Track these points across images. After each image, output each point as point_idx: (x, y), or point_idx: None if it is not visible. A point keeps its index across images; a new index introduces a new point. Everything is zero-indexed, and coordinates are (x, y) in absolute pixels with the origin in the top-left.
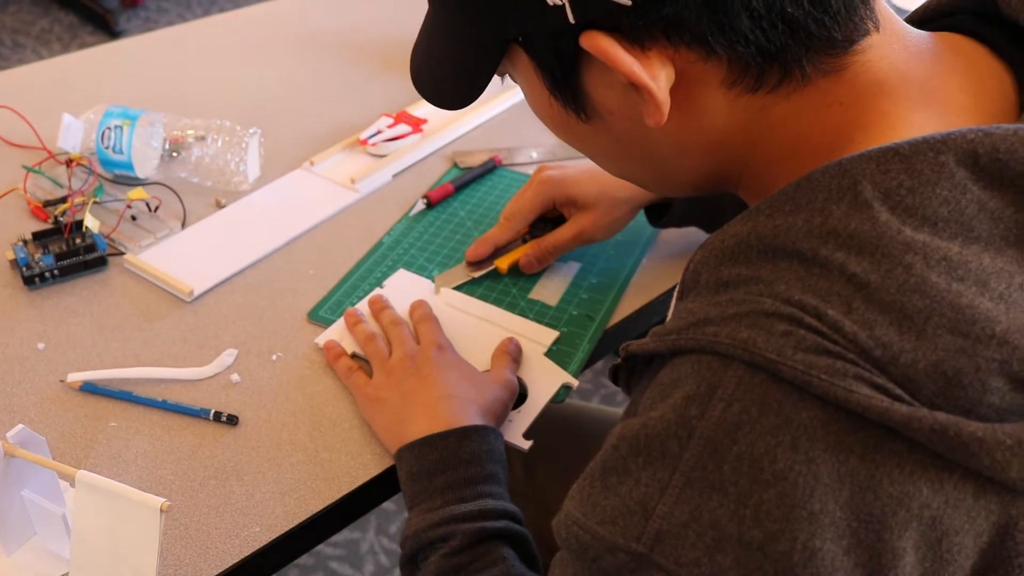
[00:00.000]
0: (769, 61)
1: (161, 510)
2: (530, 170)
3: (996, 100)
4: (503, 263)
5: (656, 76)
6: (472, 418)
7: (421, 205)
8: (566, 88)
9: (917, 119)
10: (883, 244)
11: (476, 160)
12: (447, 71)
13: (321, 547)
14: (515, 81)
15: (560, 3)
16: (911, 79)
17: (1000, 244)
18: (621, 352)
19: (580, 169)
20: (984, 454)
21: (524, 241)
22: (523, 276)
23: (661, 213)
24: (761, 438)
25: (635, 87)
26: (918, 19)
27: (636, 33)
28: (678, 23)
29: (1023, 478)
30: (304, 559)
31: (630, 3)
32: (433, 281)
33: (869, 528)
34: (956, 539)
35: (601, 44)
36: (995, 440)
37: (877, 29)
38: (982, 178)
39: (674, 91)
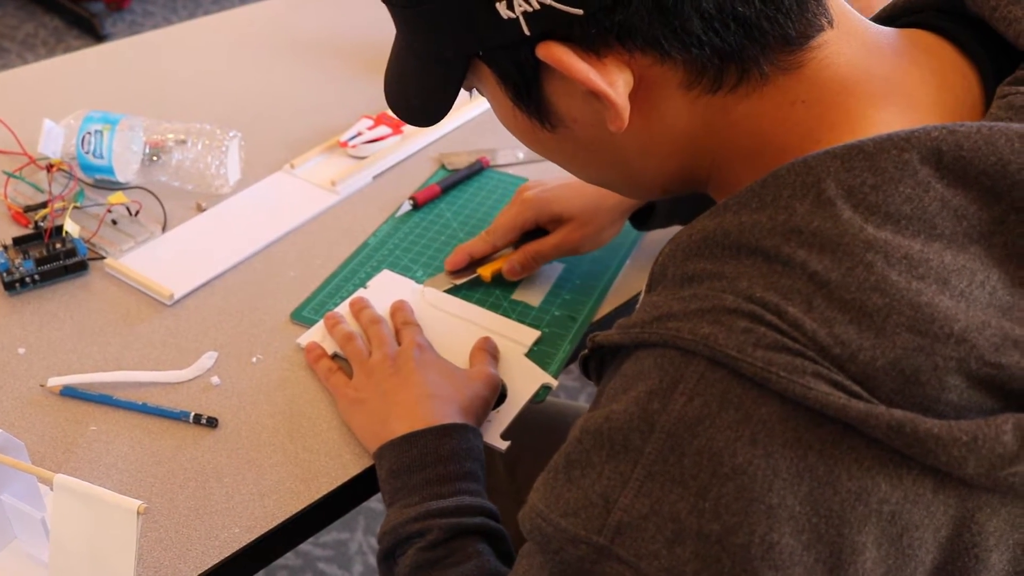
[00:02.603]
0: (725, 61)
1: (138, 512)
2: (515, 170)
3: (960, 96)
4: (487, 271)
5: (614, 82)
6: (452, 416)
7: (407, 206)
8: (529, 99)
9: (881, 116)
10: (844, 242)
11: (463, 161)
12: (415, 89)
13: (309, 548)
14: (482, 94)
15: (514, 16)
16: (872, 75)
17: (963, 241)
18: (588, 343)
19: (562, 184)
20: (941, 451)
21: (513, 249)
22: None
23: (646, 217)
24: (721, 433)
25: (594, 94)
26: (886, 17)
27: (590, 41)
28: (630, 29)
29: (979, 474)
30: (292, 560)
31: (581, 12)
32: (418, 283)
33: (828, 523)
34: (916, 534)
35: (557, 54)
36: (951, 437)
37: (832, 25)
38: (946, 176)
39: (634, 95)
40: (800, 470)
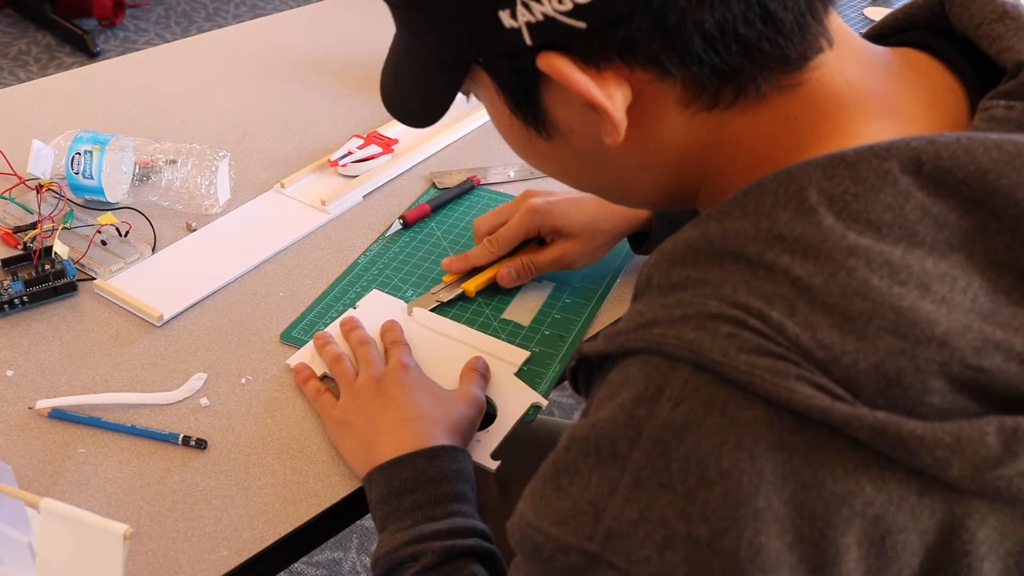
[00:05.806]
0: (723, 80)
1: (124, 536)
2: (507, 189)
3: (950, 112)
4: (471, 285)
5: (612, 96)
6: (438, 438)
7: (397, 225)
8: (527, 107)
9: (872, 130)
10: (827, 248)
11: (454, 180)
12: (413, 90)
13: (303, 567)
14: (479, 99)
15: (516, 26)
16: (867, 93)
17: (944, 248)
18: (575, 354)
19: (566, 198)
20: (925, 452)
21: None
22: (496, 296)
23: (643, 238)
24: (707, 438)
25: (592, 107)
26: (875, 35)
27: (591, 54)
28: (631, 44)
29: (964, 476)
30: None
31: (584, 26)
32: (406, 303)
33: (812, 525)
34: (900, 536)
35: (557, 66)
36: (935, 438)
37: (831, 46)
38: (926, 185)
39: (631, 111)
40: (785, 473)
